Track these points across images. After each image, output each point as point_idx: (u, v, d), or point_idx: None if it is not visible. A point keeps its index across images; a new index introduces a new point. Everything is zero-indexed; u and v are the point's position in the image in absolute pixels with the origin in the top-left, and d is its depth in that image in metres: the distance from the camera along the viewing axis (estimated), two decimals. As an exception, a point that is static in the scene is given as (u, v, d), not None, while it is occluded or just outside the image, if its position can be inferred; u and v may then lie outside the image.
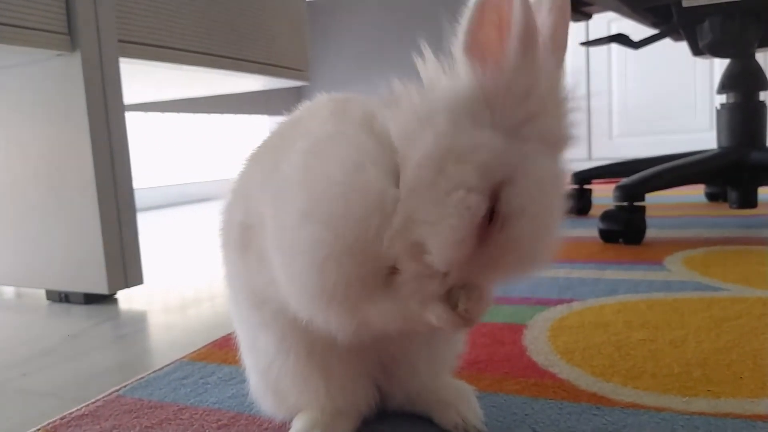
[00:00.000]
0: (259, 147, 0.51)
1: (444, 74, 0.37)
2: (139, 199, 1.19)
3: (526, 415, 0.52)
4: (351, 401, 0.49)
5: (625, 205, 1.27)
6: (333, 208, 0.37)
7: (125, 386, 0.65)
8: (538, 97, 0.35)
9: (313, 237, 0.38)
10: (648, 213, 1.30)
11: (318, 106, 0.47)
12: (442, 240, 0.36)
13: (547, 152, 0.37)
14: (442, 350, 0.52)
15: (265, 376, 0.49)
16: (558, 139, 0.37)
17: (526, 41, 0.34)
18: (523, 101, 0.35)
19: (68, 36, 1.01)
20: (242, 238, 0.46)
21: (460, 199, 0.35)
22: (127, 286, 1.09)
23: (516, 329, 0.75)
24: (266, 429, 0.53)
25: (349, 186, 0.37)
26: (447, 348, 0.53)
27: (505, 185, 0.35)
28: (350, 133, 0.40)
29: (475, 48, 0.35)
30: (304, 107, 0.50)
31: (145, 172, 2.86)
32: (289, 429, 0.49)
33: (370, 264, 0.38)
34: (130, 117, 1.12)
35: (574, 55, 3.41)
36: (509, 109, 0.35)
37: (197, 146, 3.25)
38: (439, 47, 0.38)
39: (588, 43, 1.81)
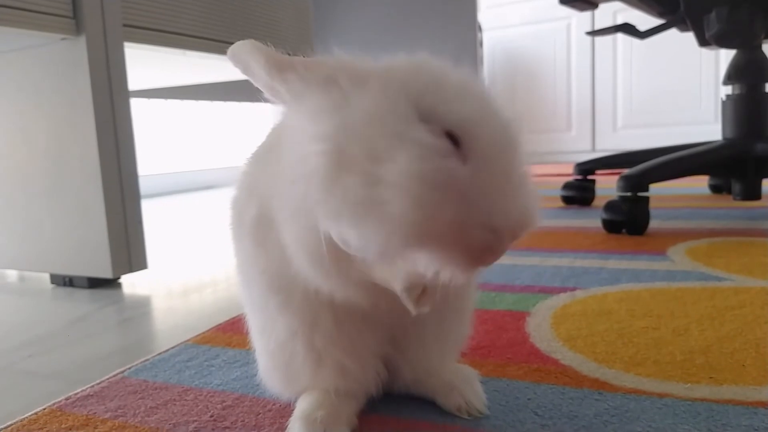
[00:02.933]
0: (267, 137, 0.51)
1: None
2: (143, 187, 1.19)
3: (528, 399, 0.53)
4: (361, 381, 0.49)
5: (628, 196, 1.27)
6: None
7: (130, 368, 0.66)
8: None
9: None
10: (651, 204, 1.30)
11: None
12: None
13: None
14: (453, 327, 0.53)
15: (275, 356, 0.50)
16: None
17: None
18: None
19: (73, 20, 1.01)
20: (257, 230, 0.46)
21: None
22: (131, 270, 1.09)
23: (519, 316, 0.75)
24: (270, 410, 0.53)
25: None
26: (456, 326, 0.53)
27: None
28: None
29: None
30: None
31: (149, 160, 2.86)
32: (293, 410, 0.50)
33: None
34: (134, 103, 1.13)
35: (579, 45, 3.39)
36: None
37: (201, 134, 3.25)
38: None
39: (593, 33, 1.80)
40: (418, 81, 0.38)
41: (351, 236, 0.35)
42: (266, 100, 0.44)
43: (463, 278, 0.36)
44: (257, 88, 0.44)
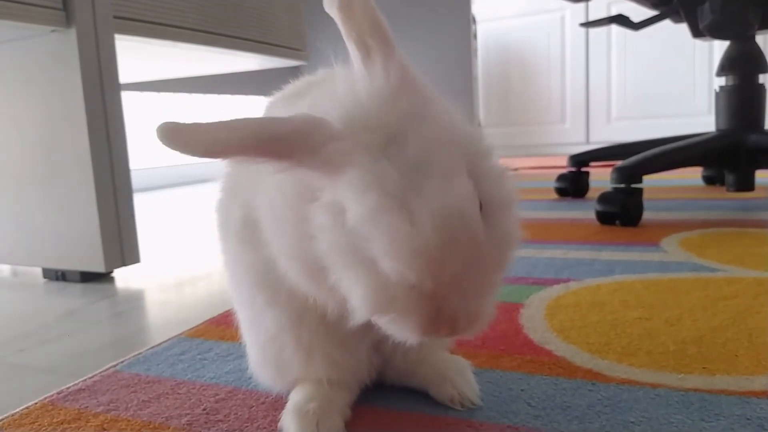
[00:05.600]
0: None
1: None
2: (135, 180, 1.18)
3: (522, 390, 0.53)
4: (352, 372, 0.49)
5: (622, 187, 1.27)
6: None
7: (122, 362, 0.66)
8: None
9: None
10: (645, 195, 1.30)
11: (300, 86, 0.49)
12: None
13: None
14: None
15: (266, 350, 0.50)
16: None
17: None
18: None
19: (63, 11, 0.99)
20: (243, 230, 0.47)
21: None
22: (124, 264, 1.09)
23: (512, 308, 0.75)
24: (263, 403, 0.53)
25: None
26: None
27: None
28: None
29: None
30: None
31: (141, 153, 2.84)
32: (286, 402, 0.49)
33: None
34: (125, 97, 1.12)
35: (573, 37, 3.39)
36: None
37: (194, 127, 3.22)
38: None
39: (587, 24, 1.80)
40: (480, 144, 0.39)
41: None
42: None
43: (407, 335, 0.36)
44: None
